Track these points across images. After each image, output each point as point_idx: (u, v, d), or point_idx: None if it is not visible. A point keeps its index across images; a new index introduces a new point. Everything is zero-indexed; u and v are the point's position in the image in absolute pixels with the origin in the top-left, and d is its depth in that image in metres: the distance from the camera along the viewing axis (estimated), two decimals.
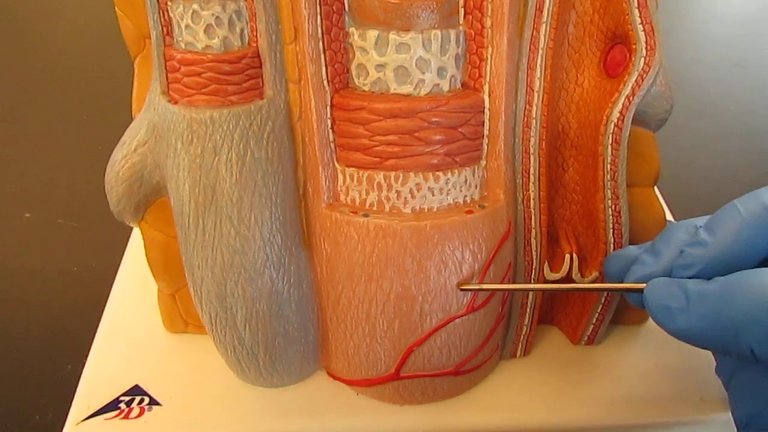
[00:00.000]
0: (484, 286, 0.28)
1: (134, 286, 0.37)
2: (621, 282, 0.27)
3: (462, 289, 0.27)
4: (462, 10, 0.27)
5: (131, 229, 0.40)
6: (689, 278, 0.23)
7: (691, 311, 0.22)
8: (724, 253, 0.23)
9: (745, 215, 0.23)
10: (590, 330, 0.33)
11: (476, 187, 0.28)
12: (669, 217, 0.40)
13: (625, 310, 0.34)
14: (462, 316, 0.28)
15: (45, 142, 0.56)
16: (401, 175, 0.26)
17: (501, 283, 0.29)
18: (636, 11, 0.27)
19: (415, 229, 0.26)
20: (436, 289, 0.27)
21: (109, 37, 0.68)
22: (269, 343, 0.29)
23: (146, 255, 0.31)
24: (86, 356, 0.34)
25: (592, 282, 0.30)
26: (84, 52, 0.65)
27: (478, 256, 0.27)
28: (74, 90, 0.61)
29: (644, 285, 0.24)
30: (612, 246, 0.29)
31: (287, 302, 0.28)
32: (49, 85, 0.62)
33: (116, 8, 0.27)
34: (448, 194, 0.27)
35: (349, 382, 0.31)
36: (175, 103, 0.26)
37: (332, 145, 0.27)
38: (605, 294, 0.31)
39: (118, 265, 0.39)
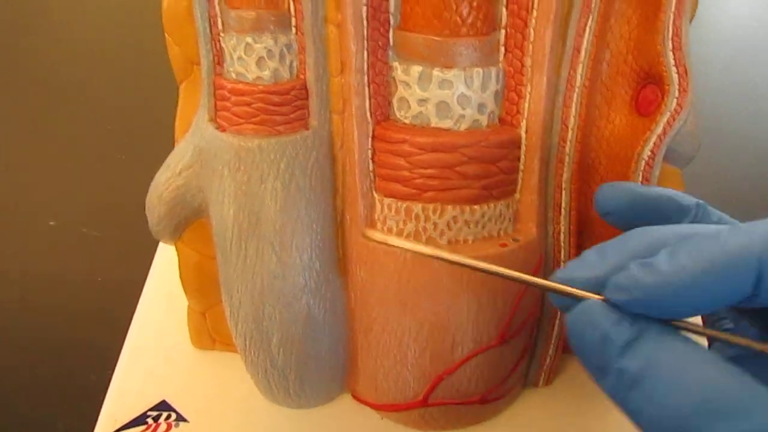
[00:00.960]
0: (390, 240, 0.22)
1: (161, 300, 0.38)
2: None
3: (367, 239, 0.23)
4: (502, 48, 0.27)
5: (155, 241, 0.40)
6: (622, 302, 0.18)
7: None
8: (675, 290, 0.17)
9: (725, 250, 0.17)
10: None
11: (510, 220, 0.29)
12: None
13: None
14: (493, 347, 0.28)
15: (69, 151, 0.57)
16: (440, 208, 0.27)
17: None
18: (670, 54, 0.27)
19: None
20: (468, 320, 0.28)
21: (134, 48, 0.68)
22: (301, 366, 0.29)
23: (180, 273, 0.32)
24: (110, 367, 0.34)
25: None
26: (109, 63, 0.66)
27: (511, 288, 0.28)
28: (99, 100, 0.61)
29: (598, 296, 0.19)
30: None
31: (322, 327, 0.29)
32: (74, 94, 0.63)
33: (165, 33, 0.28)
34: (483, 227, 0.28)
35: (375, 406, 0.32)
36: (223, 130, 0.27)
37: (372, 175, 0.28)
38: None
39: (141, 276, 0.39)
